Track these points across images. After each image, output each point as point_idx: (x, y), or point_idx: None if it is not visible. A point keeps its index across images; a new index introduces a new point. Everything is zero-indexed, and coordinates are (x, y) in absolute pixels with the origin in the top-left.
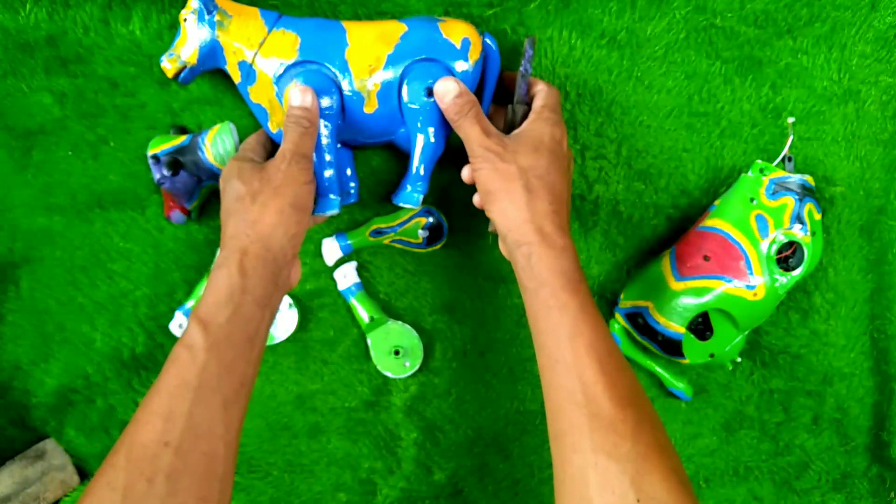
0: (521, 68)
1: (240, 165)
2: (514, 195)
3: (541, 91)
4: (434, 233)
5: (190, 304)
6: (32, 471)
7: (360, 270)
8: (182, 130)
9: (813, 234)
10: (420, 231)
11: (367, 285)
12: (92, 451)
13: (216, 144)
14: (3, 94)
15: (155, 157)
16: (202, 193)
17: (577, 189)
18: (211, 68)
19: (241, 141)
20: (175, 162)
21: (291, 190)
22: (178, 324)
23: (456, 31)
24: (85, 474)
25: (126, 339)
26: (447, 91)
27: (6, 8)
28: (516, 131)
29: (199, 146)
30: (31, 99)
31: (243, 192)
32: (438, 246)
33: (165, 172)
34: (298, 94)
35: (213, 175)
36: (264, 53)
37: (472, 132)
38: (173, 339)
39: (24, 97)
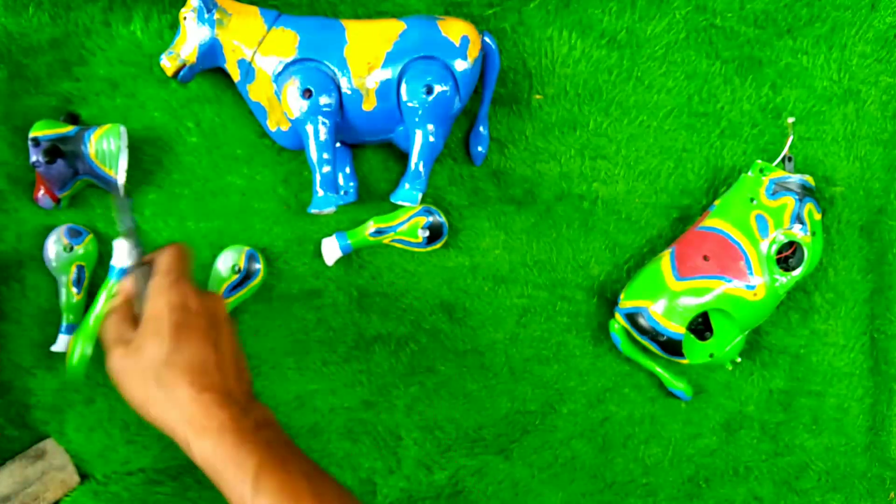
0: (122, 228)
1: None
2: (154, 398)
3: (158, 257)
4: (434, 232)
5: None
6: (32, 471)
7: (361, 270)
8: (73, 119)
9: (813, 234)
10: (420, 230)
11: (367, 285)
12: (92, 451)
13: (101, 142)
14: (10, 96)
15: (35, 140)
16: (76, 185)
17: (578, 189)
18: (210, 66)
19: (129, 146)
20: (54, 150)
21: None
22: None
23: (455, 30)
24: (85, 475)
25: None
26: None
27: (9, 11)
28: (142, 318)
29: (83, 140)
30: (38, 101)
31: None
32: (438, 245)
33: (41, 158)
34: None
35: (91, 171)
36: (263, 51)
37: (105, 339)
38: None
39: (30, 98)
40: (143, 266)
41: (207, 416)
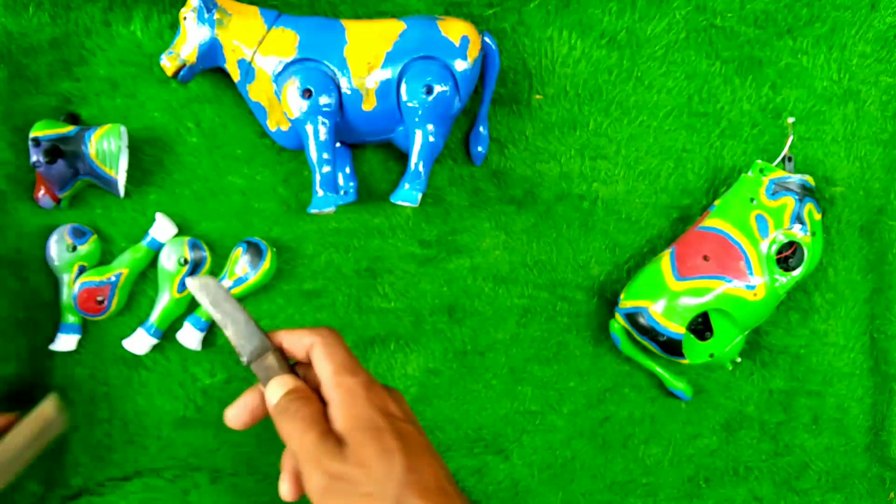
0: (217, 315)
1: None
2: None
3: (317, 339)
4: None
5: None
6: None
7: (360, 271)
8: (73, 119)
9: (813, 234)
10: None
11: (366, 286)
12: (92, 452)
13: (101, 142)
14: (10, 96)
15: (35, 140)
16: (76, 186)
17: (578, 189)
18: (210, 66)
19: (129, 146)
20: (54, 150)
21: None
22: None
23: (455, 30)
24: (84, 477)
25: None
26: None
27: (9, 11)
28: (335, 421)
29: (84, 140)
30: (38, 101)
31: None
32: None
33: (42, 158)
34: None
35: (92, 171)
36: (263, 51)
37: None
38: (175, 340)
39: (31, 98)
40: (275, 351)
41: None
